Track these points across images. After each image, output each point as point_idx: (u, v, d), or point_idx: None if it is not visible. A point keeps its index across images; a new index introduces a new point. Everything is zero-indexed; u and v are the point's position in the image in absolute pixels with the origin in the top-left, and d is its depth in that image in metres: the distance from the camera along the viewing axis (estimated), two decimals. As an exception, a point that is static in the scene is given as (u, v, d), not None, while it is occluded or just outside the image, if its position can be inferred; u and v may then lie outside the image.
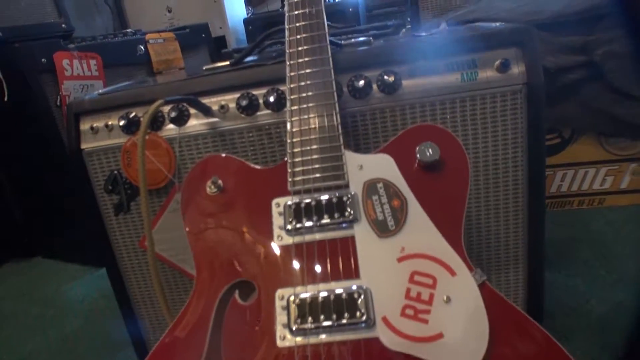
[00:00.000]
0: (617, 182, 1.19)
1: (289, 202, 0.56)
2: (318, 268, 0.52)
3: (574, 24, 1.08)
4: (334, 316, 0.48)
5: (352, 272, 0.51)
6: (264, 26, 1.89)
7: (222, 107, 0.72)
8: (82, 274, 1.35)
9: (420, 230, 0.52)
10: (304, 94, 0.62)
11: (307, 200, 0.55)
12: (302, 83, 0.62)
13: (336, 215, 0.54)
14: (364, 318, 0.48)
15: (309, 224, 0.54)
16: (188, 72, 0.98)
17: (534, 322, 0.47)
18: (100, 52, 1.31)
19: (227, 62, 0.81)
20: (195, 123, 0.73)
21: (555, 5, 1.09)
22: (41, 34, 1.25)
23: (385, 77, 0.67)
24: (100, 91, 0.82)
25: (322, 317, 0.48)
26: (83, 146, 0.77)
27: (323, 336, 0.48)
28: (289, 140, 0.59)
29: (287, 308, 0.50)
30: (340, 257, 0.52)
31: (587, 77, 1.10)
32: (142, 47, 1.45)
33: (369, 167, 0.56)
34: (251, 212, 0.58)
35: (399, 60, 0.69)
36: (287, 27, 0.68)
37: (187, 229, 0.59)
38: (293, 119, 0.61)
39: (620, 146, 1.16)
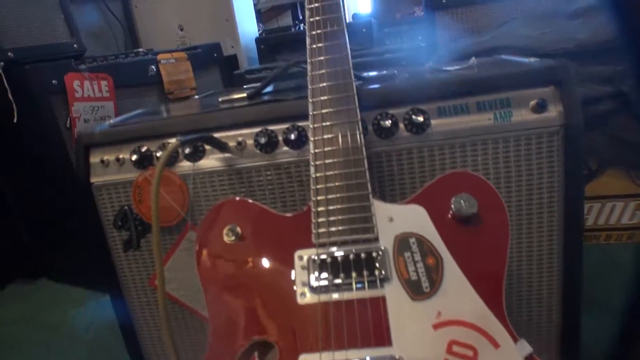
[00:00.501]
0: (646, 216, 1.14)
1: (314, 256, 0.52)
2: (346, 332, 0.47)
3: (602, 53, 1.04)
4: (364, 390, 0.44)
5: (383, 339, 0.46)
6: (276, 45, 1.86)
7: (239, 143, 0.69)
8: (88, 299, 1.31)
9: (458, 293, 0.48)
10: (328, 136, 0.58)
11: (334, 255, 0.51)
12: (326, 123, 0.59)
13: (365, 273, 0.50)
14: (397, 393, 0.43)
15: (335, 281, 0.50)
16: (201, 100, 0.95)
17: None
18: (111, 73, 1.29)
19: (244, 95, 0.77)
20: (211, 159, 0.70)
21: (581, 34, 1.06)
22: (53, 55, 1.22)
23: (414, 116, 0.63)
24: (111, 122, 0.79)
25: (351, 390, 0.44)
26: (93, 180, 0.74)
27: (352, 412, 0.44)
28: (312, 187, 0.55)
29: (312, 378, 0.46)
30: (371, 321, 0.48)
31: (615, 108, 1.05)
32: (153, 68, 1.43)
33: (400, 219, 0.52)
34: (272, 265, 0.54)
35: (427, 98, 0.65)
36: (309, 60, 0.64)
37: (202, 280, 0.55)
38: (317, 162, 0.57)
39: (650, 179, 1.12)
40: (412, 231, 0.51)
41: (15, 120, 1.14)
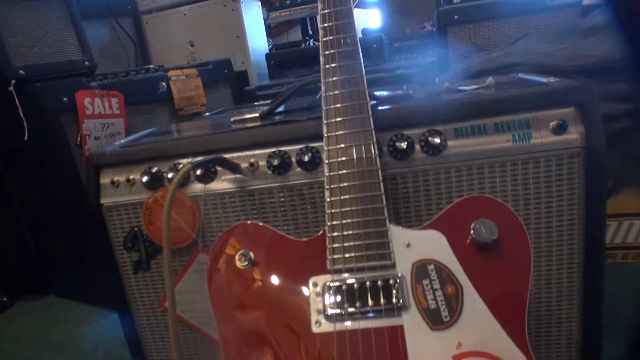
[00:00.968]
0: (664, 235, 1.11)
1: (329, 283, 0.50)
2: (362, 363, 0.46)
3: (618, 70, 1.02)
4: None
5: (401, 370, 0.45)
6: (286, 60, 1.87)
7: (251, 164, 0.68)
8: (96, 317, 1.30)
9: (479, 323, 0.46)
10: (343, 158, 0.57)
11: (350, 282, 0.50)
12: (341, 145, 0.57)
13: (382, 301, 0.48)
14: None
15: (351, 309, 0.48)
16: (212, 119, 0.94)
17: None
18: (122, 90, 1.29)
19: (256, 115, 0.76)
20: (222, 181, 0.69)
21: (597, 50, 1.04)
22: (64, 72, 1.23)
23: (430, 138, 0.62)
24: (122, 141, 0.78)
25: None
26: (103, 201, 0.73)
27: None
28: (327, 211, 0.54)
29: (328, 413, 0.44)
30: (388, 351, 0.46)
31: (631, 126, 1.03)
32: (164, 84, 1.43)
33: (418, 245, 0.51)
34: (285, 291, 0.52)
35: (444, 119, 0.64)
36: (323, 80, 0.63)
37: (214, 305, 0.54)
38: (331, 185, 0.55)
39: (667, 197, 1.09)
40: (430, 258, 0.50)
41: (26, 138, 1.14)
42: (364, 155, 0.56)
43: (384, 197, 0.53)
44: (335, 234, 0.52)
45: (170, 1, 1.85)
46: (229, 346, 0.51)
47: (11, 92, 1.12)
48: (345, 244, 0.51)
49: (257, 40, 1.91)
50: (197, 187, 0.69)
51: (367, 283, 0.49)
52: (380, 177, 0.54)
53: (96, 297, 1.34)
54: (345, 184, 0.55)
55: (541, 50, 1.10)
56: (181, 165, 0.68)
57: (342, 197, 0.54)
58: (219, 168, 0.69)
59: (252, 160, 0.68)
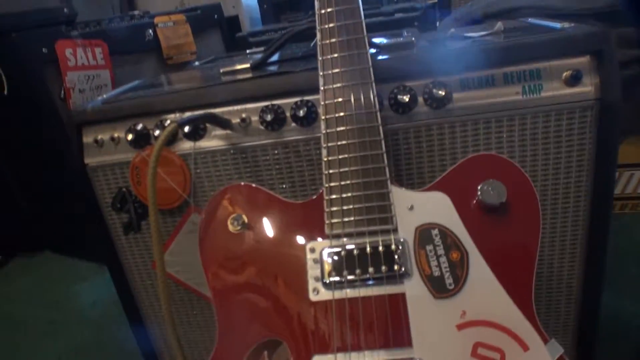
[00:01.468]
0: (666, 185, 1.09)
1: (327, 249, 0.47)
2: (363, 331, 0.44)
3: (631, 14, 0.96)
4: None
5: (403, 339, 0.43)
6: (279, 3, 1.77)
7: (242, 120, 0.63)
8: (93, 274, 1.29)
9: (485, 291, 0.44)
10: (341, 114, 0.52)
11: (349, 248, 0.47)
12: (339, 99, 0.53)
13: (383, 268, 0.45)
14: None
15: (351, 277, 0.46)
16: (201, 69, 0.88)
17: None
18: (105, 39, 1.22)
19: (247, 65, 0.71)
20: (213, 138, 0.65)
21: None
22: (42, 21, 1.15)
23: (435, 90, 0.58)
24: (104, 97, 0.73)
25: (369, 397, 0.41)
26: (87, 161, 0.69)
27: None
28: (325, 172, 0.51)
29: (327, 382, 0.42)
30: (389, 320, 0.44)
31: (642, 73, 0.99)
32: (150, 32, 1.35)
33: (422, 208, 0.48)
34: (281, 258, 0.50)
35: (449, 70, 0.59)
36: (318, 27, 0.58)
37: (207, 273, 0.51)
38: (329, 144, 0.52)
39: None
40: (434, 222, 0.47)
41: (5, 92, 1.08)
42: (364, 111, 0.52)
43: (385, 156, 0.50)
44: (334, 196, 0.49)
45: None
46: (223, 317, 0.49)
47: (-14, 43, 1.05)
48: (344, 207, 0.48)
49: (248, -17, 1.80)
50: (186, 145, 0.65)
51: (368, 249, 0.46)
52: (382, 135, 0.51)
53: (92, 253, 1.33)
54: (344, 142, 0.51)
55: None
56: (168, 122, 0.64)
57: (340, 157, 0.51)
58: (208, 125, 0.65)
59: (243, 115, 0.63)
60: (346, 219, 0.48)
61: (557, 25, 0.63)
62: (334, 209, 0.49)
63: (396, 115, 0.60)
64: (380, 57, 0.62)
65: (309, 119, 0.61)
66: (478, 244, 0.45)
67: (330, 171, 0.50)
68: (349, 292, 0.46)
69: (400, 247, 0.46)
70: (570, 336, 0.71)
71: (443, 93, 0.57)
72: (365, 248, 0.46)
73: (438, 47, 0.63)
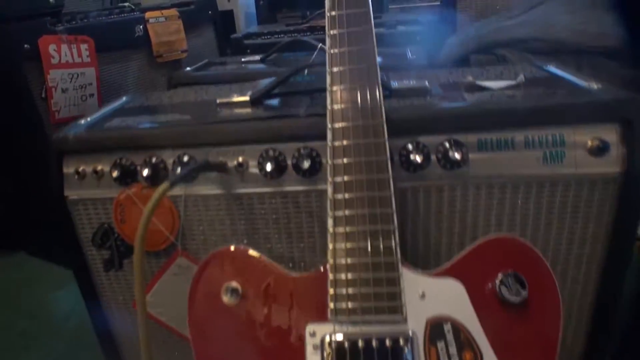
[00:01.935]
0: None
1: (329, 337, 0.43)
2: None
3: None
4: None
5: None
6: (276, 1, 1.70)
7: (239, 164, 0.58)
8: (68, 282, 1.23)
9: (500, 399, 0.40)
10: (350, 177, 0.48)
11: (353, 338, 0.43)
12: (348, 160, 0.48)
13: (390, 364, 0.42)
14: None
15: (353, 371, 0.42)
16: (194, 93, 0.82)
17: None
18: (92, 35, 1.14)
19: (247, 98, 0.65)
20: (206, 182, 0.60)
21: (622, 27, 0.93)
22: (26, 10, 1.06)
23: (451, 152, 0.53)
24: (88, 119, 0.67)
25: None
26: (67, 193, 0.64)
27: None
28: (330, 245, 0.46)
29: None
30: None
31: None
32: (140, 28, 1.27)
33: (434, 296, 0.44)
34: (277, 337, 0.45)
35: (466, 127, 0.55)
36: (328, 69, 0.52)
37: (196, 347, 0.47)
38: (336, 213, 0.47)
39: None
40: (447, 314, 0.43)
41: (-17, 90, 1.01)
42: (376, 177, 0.47)
43: (397, 234, 0.46)
44: (339, 276, 0.45)
45: None
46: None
47: (-39, 36, 0.97)
48: (350, 291, 0.44)
49: (246, -25, 1.72)
50: (177, 186, 0.60)
51: (374, 342, 0.42)
52: (394, 208, 0.46)
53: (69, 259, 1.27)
54: (352, 212, 0.47)
55: (563, 22, 0.98)
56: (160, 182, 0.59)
57: (347, 229, 0.46)
58: (202, 168, 0.59)
59: (240, 159, 0.58)
60: (352, 305, 0.44)
61: (583, 82, 0.59)
62: (339, 291, 0.44)
63: (406, 173, 0.56)
64: (392, 106, 0.58)
65: (313, 170, 0.56)
66: (493, 343, 0.42)
67: (337, 246, 0.46)
68: (351, 388, 0.42)
69: (410, 343, 0.42)
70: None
71: (459, 157, 0.53)
72: (371, 340, 0.42)
73: (454, 98, 0.58)
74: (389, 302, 0.43)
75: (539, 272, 0.43)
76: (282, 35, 1.35)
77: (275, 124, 0.58)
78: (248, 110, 0.64)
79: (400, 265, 0.45)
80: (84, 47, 1.13)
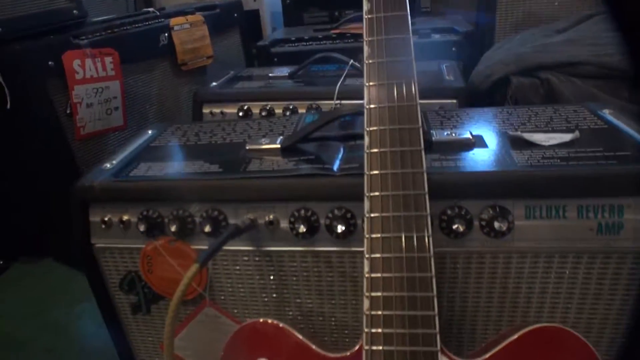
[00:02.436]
0: None
1: None
2: None
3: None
4: None
5: None
6: (302, 0, 1.64)
7: (269, 222, 0.56)
8: (95, 292, 1.24)
9: None
10: (388, 255, 0.45)
11: None
12: (387, 234, 0.46)
13: None
14: None
15: None
16: (223, 138, 0.79)
17: None
18: (117, 47, 1.12)
19: (277, 145, 0.63)
20: (235, 239, 0.57)
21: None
22: (49, 24, 1.05)
23: (496, 222, 0.50)
24: (114, 163, 0.65)
25: None
26: (94, 241, 0.62)
27: None
28: (365, 329, 0.44)
29: None
30: None
31: None
32: (165, 36, 1.25)
33: (476, 393, 0.41)
34: None
35: (513, 194, 0.51)
36: (366, 128, 0.49)
37: None
38: (373, 294, 0.45)
39: None
40: (491, 416, 0.40)
41: (8, 107, 1.00)
42: (417, 254, 0.45)
43: (437, 319, 0.43)
44: (375, 365, 0.42)
45: None
46: None
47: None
48: (387, 381, 0.42)
49: (271, -26, 1.67)
50: (205, 241, 0.58)
51: None
52: (435, 291, 0.44)
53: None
54: (390, 294, 0.44)
55: (613, 41, 0.92)
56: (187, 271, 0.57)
57: (384, 313, 0.44)
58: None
59: (271, 216, 0.56)
60: (389, 398, 0.42)
61: (641, 138, 0.54)
62: (376, 381, 0.42)
63: (446, 238, 0.53)
64: (432, 164, 0.54)
65: (347, 233, 0.54)
66: None
67: (373, 330, 0.44)
68: None
69: None
70: None
71: (505, 227, 0.50)
72: None
73: (500, 158, 0.54)
74: (429, 398, 0.41)
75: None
76: (310, 43, 1.31)
77: (307, 182, 0.55)
78: (279, 158, 0.61)
79: (440, 354, 0.42)
80: (108, 60, 1.11)
